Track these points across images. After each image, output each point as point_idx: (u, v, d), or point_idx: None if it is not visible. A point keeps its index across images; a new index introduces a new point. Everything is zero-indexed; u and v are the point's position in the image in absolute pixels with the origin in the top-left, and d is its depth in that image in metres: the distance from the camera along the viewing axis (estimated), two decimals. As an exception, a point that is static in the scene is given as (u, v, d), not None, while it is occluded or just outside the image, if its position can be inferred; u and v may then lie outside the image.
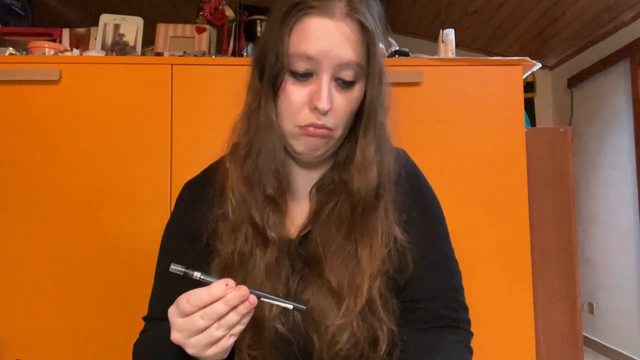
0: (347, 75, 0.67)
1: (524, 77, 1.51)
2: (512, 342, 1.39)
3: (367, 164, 0.71)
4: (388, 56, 1.54)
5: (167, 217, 0.81)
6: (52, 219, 1.36)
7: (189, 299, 0.56)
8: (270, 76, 0.69)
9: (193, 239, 0.75)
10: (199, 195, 0.77)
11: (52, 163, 1.37)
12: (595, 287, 3.67)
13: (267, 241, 0.71)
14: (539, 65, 1.50)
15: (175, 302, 0.57)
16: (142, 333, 0.76)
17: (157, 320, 0.73)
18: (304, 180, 0.77)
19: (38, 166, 1.37)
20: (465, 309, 0.78)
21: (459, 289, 0.78)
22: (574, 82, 3.95)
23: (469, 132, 1.44)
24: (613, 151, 3.51)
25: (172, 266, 0.58)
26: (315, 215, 0.74)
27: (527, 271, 1.40)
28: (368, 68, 0.68)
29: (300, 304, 0.59)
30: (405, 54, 1.54)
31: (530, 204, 1.44)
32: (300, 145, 0.70)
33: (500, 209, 1.42)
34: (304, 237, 0.74)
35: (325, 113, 0.66)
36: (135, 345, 0.74)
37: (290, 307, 0.59)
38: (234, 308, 0.56)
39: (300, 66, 0.67)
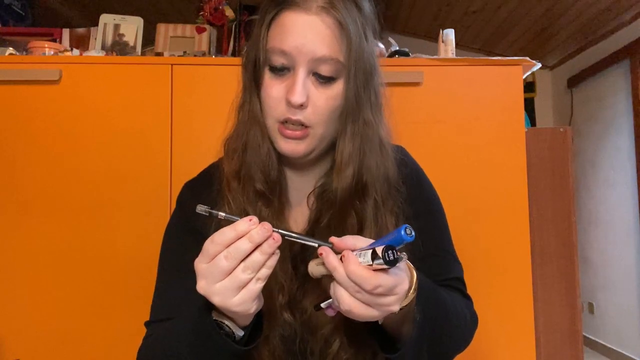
0: (325, 70, 0.66)
1: (524, 77, 1.51)
2: (512, 342, 1.39)
3: (344, 162, 0.69)
4: (388, 56, 1.54)
5: (167, 217, 0.80)
6: (52, 218, 1.36)
7: (213, 238, 0.54)
8: (253, 71, 0.70)
9: (197, 237, 0.74)
10: (200, 195, 0.77)
11: (52, 163, 1.37)
12: (595, 287, 3.67)
13: None
14: (539, 65, 1.50)
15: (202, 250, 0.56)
16: (145, 339, 0.74)
17: (161, 322, 0.72)
18: (299, 184, 0.77)
19: (38, 166, 1.37)
20: (469, 299, 0.78)
21: (458, 281, 0.78)
22: (574, 82, 3.95)
23: (469, 132, 1.44)
24: (613, 151, 3.51)
25: (198, 206, 0.57)
26: (315, 224, 0.73)
27: (527, 271, 1.40)
28: (348, 64, 0.66)
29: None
30: (405, 54, 1.54)
31: (530, 204, 1.44)
32: (280, 145, 0.69)
33: (500, 209, 1.42)
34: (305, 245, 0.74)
35: (299, 107, 0.66)
36: (140, 351, 0.72)
37: (316, 245, 0.57)
38: (258, 247, 0.54)
39: (277, 61, 0.67)
